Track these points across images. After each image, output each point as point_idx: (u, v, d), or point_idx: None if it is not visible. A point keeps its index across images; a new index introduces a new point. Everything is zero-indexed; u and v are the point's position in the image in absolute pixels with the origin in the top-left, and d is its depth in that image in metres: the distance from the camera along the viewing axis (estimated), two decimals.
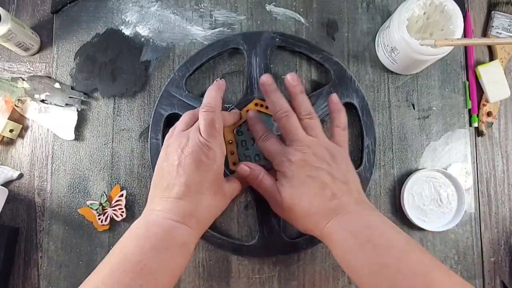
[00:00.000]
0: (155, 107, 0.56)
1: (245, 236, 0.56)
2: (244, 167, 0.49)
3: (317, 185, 0.45)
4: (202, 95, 0.57)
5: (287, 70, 0.58)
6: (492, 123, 0.60)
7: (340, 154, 0.48)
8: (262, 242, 0.54)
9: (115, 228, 0.55)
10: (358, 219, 0.43)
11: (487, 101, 0.60)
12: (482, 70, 0.59)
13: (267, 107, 0.54)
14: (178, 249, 0.41)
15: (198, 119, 0.47)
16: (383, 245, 0.40)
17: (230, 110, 0.54)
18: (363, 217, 0.43)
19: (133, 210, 0.56)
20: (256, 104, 0.54)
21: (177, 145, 0.45)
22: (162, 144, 0.53)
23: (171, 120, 0.56)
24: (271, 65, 0.58)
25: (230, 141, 0.53)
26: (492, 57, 0.62)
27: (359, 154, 0.57)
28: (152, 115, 0.55)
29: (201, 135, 0.45)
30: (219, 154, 0.45)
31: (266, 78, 0.50)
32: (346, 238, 0.42)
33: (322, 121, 0.57)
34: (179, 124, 0.48)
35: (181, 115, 0.54)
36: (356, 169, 0.51)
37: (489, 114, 0.60)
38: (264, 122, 0.53)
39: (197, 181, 0.43)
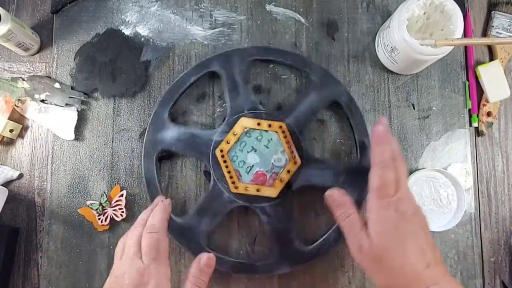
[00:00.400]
0: (146, 139, 0.55)
1: (231, 251, 0.56)
2: (335, 195, 0.47)
3: (417, 245, 0.41)
4: (200, 97, 0.57)
5: (272, 81, 0.58)
6: (492, 123, 0.60)
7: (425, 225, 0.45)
8: (247, 260, 0.54)
9: (115, 228, 0.55)
10: None
11: (487, 101, 0.60)
12: (482, 70, 0.59)
13: (286, 137, 0.53)
14: None
15: (129, 242, 0.45)
16: None
17: (258, 111, 0.54)
18: None
19: (133, 210, 0.56)
20: (280, 127, 0.53)
21: (116, 275, 0.43)
22: (157, 180, 0.54)
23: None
24: (254, 80, 0.57)
25: (235, 133, 0.53)
26: (492, 57, 0.62)
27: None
28: (143, 147, 0.55)
29: (141, 261, 0.42)
30: (162, 281, 0.43)
31: (381, 127, 0.46)
32: None
33: (321, 122, 0.57)
34: (116, 253, 0.45)
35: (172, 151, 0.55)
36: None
37: (489, 114, 0.60)
38: (273, 146, 0.54)
39: None
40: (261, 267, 0.53)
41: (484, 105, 0.60)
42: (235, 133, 0.53)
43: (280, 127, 0.54)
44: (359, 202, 0.52)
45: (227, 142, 0.53)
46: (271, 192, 0.53)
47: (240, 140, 0.54)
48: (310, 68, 0.57)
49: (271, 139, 0.54)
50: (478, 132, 0.60)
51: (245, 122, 0.54)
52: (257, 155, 0.54)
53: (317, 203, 0.56)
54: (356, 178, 0.54)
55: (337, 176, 0.54)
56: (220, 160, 0.53)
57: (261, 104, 0.57)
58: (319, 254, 0.53)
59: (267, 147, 0.54)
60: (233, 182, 0.53)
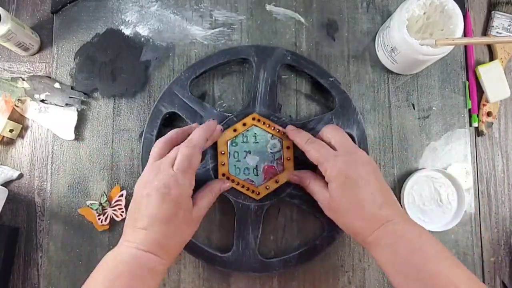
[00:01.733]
0: (155, 103, 0.55)
1: (222, 247, 0.55)
2: (293, 177, 0.52)
3: (369, 189, 0.45)
4: (200, 97, 0.57)
5: (287, 89, 0.58)
6: (492, 123, 0.60)
7: (376, 165, 0.49)
8: (236, 256, 0.53)
9: (115, 228, 0.55)
10: (408, 229, 0.44)
11: (487, 101, 0.60)
12: (482, 70, 0.59)
13: (264, 123, 0.54)
14: (147, 275, 0.42)
15: (170, 148, 0.48)
16: (434, 255, 0.41)
17: (227, 121, 0.54)
18: (413, 229, 0.44)
19: None
20: (253, 119, 0.54)
21: (147, 176, 0.46)
22: (155, 140, 0.53)
23: (169, 119, 0.56)
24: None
25: (223, 152, 0.53)
26: (492, 57, 0.62)
27: None
28: (151, 111, 0.55)
29: (172, 169, 0.45)
30: (187, 188, 0.45)
31: (290, 126, 0.53)
32: (397, 242, 0.43)
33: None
34: (152, 153, 0.48)
35: (179, 115, 0.55)
36: None
37: (489, 114, 0.60)
38: (260, 137, 0.54)
39: (162, 214, 0.44)
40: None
41: (484, 105, 0.60)
42: (223, 152, 0.53)
43: (253, 118, 0.54)
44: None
45: (222, 164, 0.53)
46: (287, 175, 0.53)
47: (231, 154, 0.54)
48: (337, 92, 0.56)
49: (255, 133, 0.54)
50: (478, 132, 0.60)
51: (223, 137, 0.54)
52: (254, 155, 0.54)
53: None
54: (343, 112, 0.56)
55: (328, 123, 0.55)
56: (230, 183, 0.53)
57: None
58: None
59: (257, 142, 0.54)
60: (253, 191, 0.53)
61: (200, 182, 0.50)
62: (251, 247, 0.53)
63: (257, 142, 0.54)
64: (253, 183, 0.54)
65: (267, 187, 0.53)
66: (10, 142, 0.58)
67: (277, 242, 0.56)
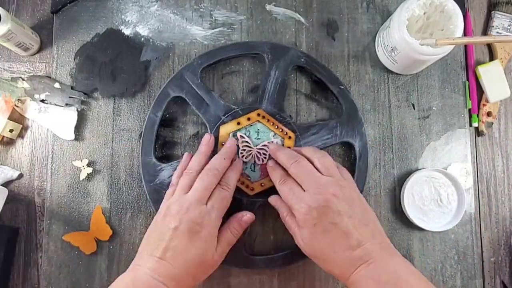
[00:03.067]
0: (164, 86, 0.55)
1: None
2: (272, 201, 0.52)
3: (341, 233, 0.44)
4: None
5: (288, 89, 0.58)
6: (492, 123, 0.60)
7: (355, 191, 0.48)
8: None
9: (115, 228, 0.55)
10: (385, 268, 0.42)
11: (487, 101, 0.60)
12: (482, 70, 0.59)
13: (268, 120, 0.54)
14: None
15: (195, 178, 0.48)
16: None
17: (232, 112, 0.54)
18: (390, 267, 0.43)
19: (133, 210, 0.56)
20: (258, 114, 0.54)
21: (178, 209, 0.46)
22: (158, 122, 0.54)
23: (175, 101, 0.56)
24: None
25: (223, 144, 0.53)
26: (492, 57, 0.62)
27: None
28: (159, 93, 0.55)
29: (205, 205, 0.46)
30: (215, 229, 0.46)
31: (269, 164, 0.52)
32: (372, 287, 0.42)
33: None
34: (180, 186, 0.48)
35: (186, 100, 0.55)
36: None
37: (489, 114, 0.60)
38: (263, 133, 0.54)
39: (187, 251, 0.44)
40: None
41: (484, 105, 0.60)
42: (223, 144, 0.53)
43: (258, 114, 0.54)
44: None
45: None
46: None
47: None
48: (345, 101, 0.56)
49: (258, 129, 0.54)
50: (478, 132, 0.60)
51: (226, 129, 0.54)
52: None
53: None
54: (348, 121, 0.56)
55: (332, 130, 0.55)
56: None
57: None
58: None
59: (258, 138, 0.54)
60: (247, 186, 0.53)
61: None
62: (238, 242, 0.52)
63: (259, 138, 0.54)
64: (249, 178, 0.54)
65: (262, 184, 0.53)
66: (10, 142, 0.58)
67: (277, 242, 0.56)
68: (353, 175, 0.55)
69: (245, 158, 0.53)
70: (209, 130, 0.54)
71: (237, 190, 0.52)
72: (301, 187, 0.47)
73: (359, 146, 0.56)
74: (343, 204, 0.45)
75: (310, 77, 0.58)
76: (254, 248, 0.56)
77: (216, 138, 0.54)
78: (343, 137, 0.55)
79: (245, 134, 0.54)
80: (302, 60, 0.57)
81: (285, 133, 0.54)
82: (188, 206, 0.45)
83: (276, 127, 0.54)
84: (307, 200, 0.45)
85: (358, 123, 0.56)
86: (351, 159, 0.57)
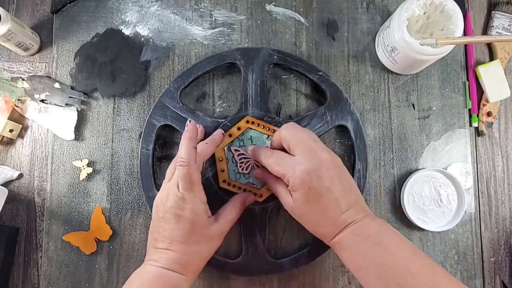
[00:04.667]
0: (147, 117, 0.55)
1: (231, 253, 0.55)
2: (257, 173, 0.52)
3: (333, 196, 0.44)
4: (200, 97, 0.57)
5: (281, 86, 0.58)
6: (492, 123, 0.60)
7: (338, 159, 0.48)
8: (246, 261, 0.53)
9: (115, 228, 0.55)
10: (368, 227, 0.44)
11: (487, 101, 0.60)
12: (482, 70, 0.59)
13: (258, 125, 0.54)
14: None
15: None
16: (392, 248, 0.43)
17: (221, 126, 0.54)
18: (372, 225, 0.45)
19: (132, 210, 0.56)
20: (247, 121, 0.54)
21: (161, 198, 0.47)
22: (152, 155, 0.55)
23: (164, 131, 0.56)
24: (266, 82, 0.57)
25: (221, 159, 0.53)
26: (492, 57, 0.62)
27: None
28: (144, 126, 0.55)
29: (178, 189, 0.46)
30: (198, 205, 0.46)
31: (250, 148, 0.53)
32: (357, 242, 0.44)
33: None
34: (166, 174, 0.49)
35: (173, 127, 0.55)
36: None
37: (489, 114, 0.60)
38: (257, 139, 0.54)
39: (179, 234, 0.45)
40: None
41: (484, 105, 0.60)
42: (221, 159, 0.53)
43: (247, 121, 0.54)
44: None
45: (222, 171, 0.53)
46: None
47: (229, 159, 0.54)
48: (327, 86, 0.56)
49: (251, 136, 0.54)
50: (478, 132, 0.60)
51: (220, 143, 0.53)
52: None
53: None
54: (335, 104, 0.56)
55: (323, 117, 0.55)
56: (231, 188, 0.53)
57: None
58: None
59: (254, 145, 0.54)
60: (255, 194, 0.53)
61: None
62: (260, 249, 0.53)
63: (254, 145, 0.54)
64: (255, 185, 0.54)
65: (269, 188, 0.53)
66: (10, 142, 0.57)
67: (277, 242, 0.56)
68: (354, 156, 0.56)
69: (246, 169, 0.53)
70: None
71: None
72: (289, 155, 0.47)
73: (352, 126, 0.56)
74: (335, 169, 0.45)
75: (291, 73, 0.58)
76: (274, 251, 0.56)
77: (212, 155, 0.53)
78: (334, 121, 0.55)
79: (240, 145, 0.54)
80: (275, 57, 0.56)
81: None
82: (167, 193, 0.46)
83: (268, 129, 0.54)
84: (299, 165, 0.45)
85: (345, 103, 0.56)
86: (349, 142, 0.57)
